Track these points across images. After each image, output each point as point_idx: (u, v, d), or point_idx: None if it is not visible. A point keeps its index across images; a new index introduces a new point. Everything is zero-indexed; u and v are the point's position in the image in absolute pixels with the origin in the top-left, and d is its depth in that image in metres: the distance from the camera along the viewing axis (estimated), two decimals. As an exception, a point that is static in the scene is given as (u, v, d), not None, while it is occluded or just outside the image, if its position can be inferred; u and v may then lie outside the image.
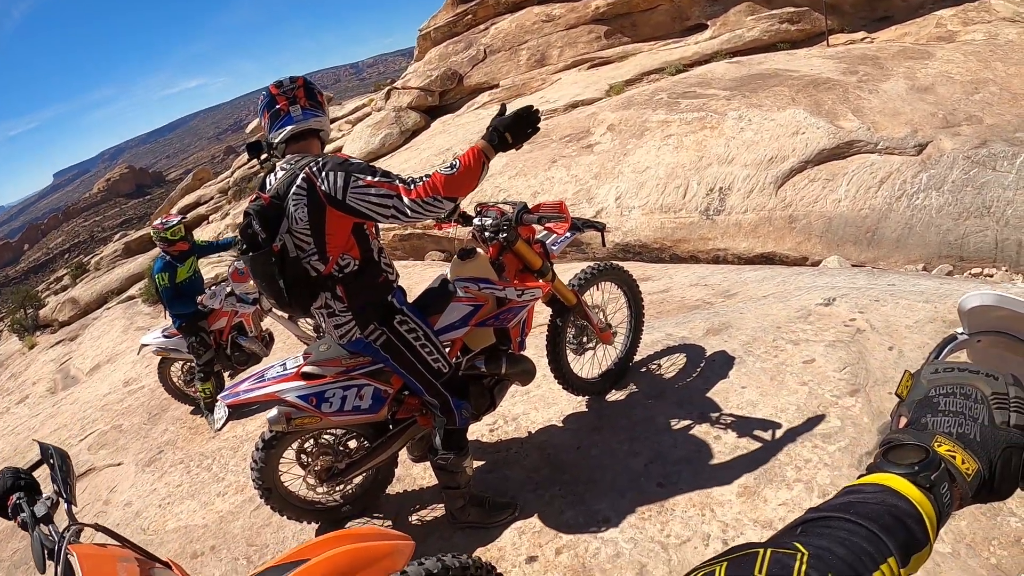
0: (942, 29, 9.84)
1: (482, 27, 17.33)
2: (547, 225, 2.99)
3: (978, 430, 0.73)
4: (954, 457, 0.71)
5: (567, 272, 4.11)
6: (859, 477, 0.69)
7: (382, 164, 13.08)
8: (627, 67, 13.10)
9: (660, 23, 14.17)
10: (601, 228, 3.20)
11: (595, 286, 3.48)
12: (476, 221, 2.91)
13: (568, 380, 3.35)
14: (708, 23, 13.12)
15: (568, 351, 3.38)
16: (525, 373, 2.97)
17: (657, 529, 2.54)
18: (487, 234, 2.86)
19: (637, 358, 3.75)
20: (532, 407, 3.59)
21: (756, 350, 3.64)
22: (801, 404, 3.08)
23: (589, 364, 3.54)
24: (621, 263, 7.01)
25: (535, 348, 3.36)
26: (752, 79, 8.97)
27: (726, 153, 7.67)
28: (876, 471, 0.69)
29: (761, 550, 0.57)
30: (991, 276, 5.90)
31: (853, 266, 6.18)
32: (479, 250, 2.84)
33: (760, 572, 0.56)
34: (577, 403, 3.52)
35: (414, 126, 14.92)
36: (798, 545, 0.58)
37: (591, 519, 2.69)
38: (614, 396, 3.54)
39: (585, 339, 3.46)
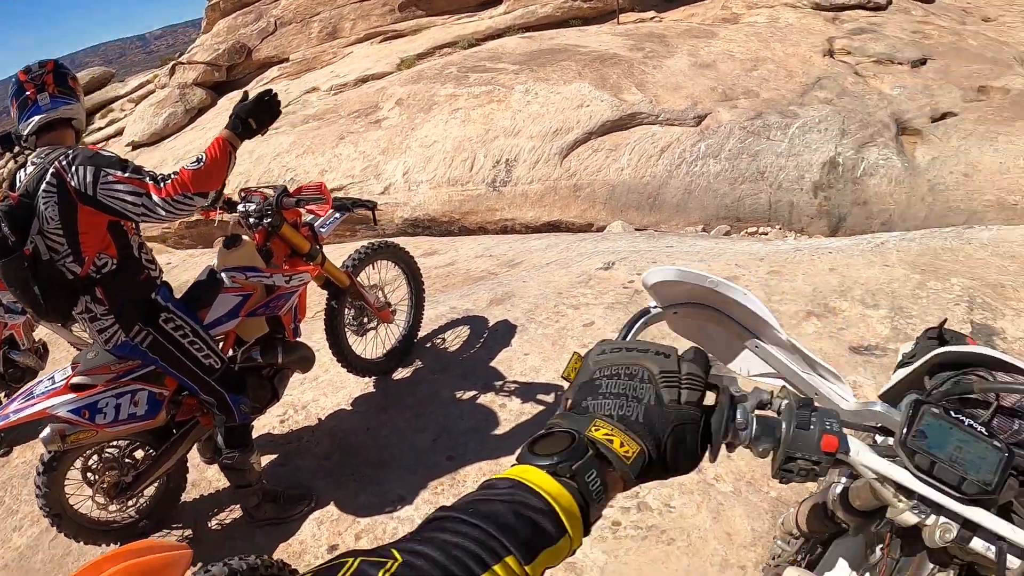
0: (728, 12, 10.63)
1: None
2: (309, 208, 3.08)
3: (642, 411, 0.75)
4: (611, 441, 0.71)
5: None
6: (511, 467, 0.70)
7: (167, 145, 12.22)
8: (420, 41, 13.08)
9: (455, -3, 14.19)
10: (372, 207, 3.42)
11: (370, 265, 3.61)
12: (240, 207, 2.95)
13: (352, 362, 3.47)
14: (503, -2, 13.27)
15: (349, 333, 3.49)
16: (303, 360, 3.06)
17: (451, 502, 2.43)
18: (252, 220, 2.91)
19: (422, 333, 3.92)
20: (321, 393, 3.68)
21: (538, 317, 3.87)
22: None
23: (373, 344, 3.68)
24: (411, 238, 6.94)
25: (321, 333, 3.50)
26: (542, 54, 9.22)
27: (512, 126, 7.86)
28: (520, 463, 0.69)
29: (351, 559, 0.55)
30: (766, 234, 6.62)
31: (637, 230, 6.84)
32: (245, 237, 2.88)
33: None
34: (365, 384, 3.64)
35: (200, 104, 14.11)
36: (394, 552, 0.56)
37: (385, 500, 2.81)
38: (400, 374, 3.70)
39: (365, 320, 3.58)
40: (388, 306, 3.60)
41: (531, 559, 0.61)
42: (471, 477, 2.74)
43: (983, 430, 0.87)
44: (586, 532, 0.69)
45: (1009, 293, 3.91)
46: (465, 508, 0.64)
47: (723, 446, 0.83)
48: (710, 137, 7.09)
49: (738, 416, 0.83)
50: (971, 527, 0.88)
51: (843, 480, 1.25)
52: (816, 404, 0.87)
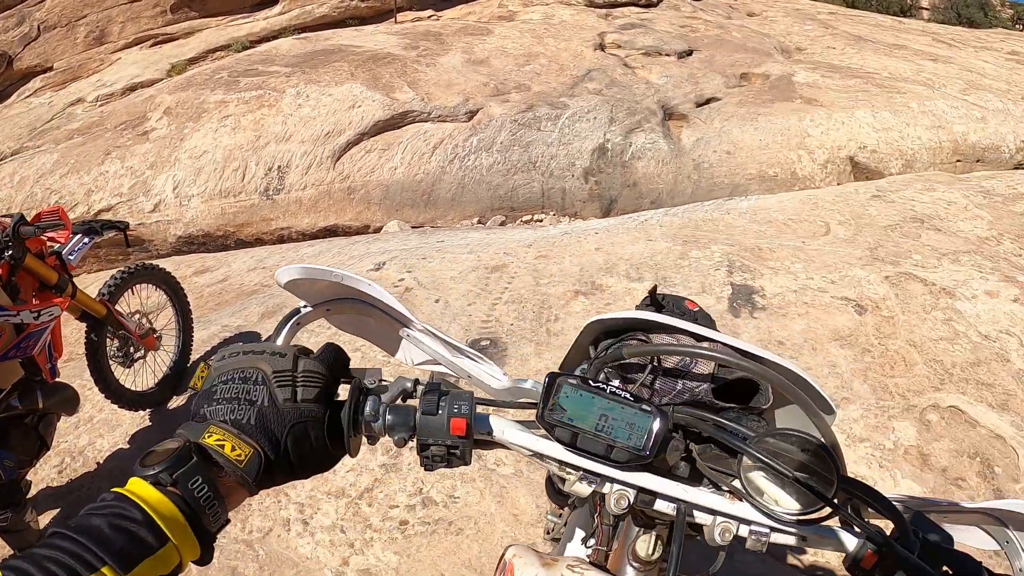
0: (504, 9, 11.00)
1: None
2: (48, 235, 2.93)
3: (254, 413, 0.76)
4: (223, 445, 0.73)
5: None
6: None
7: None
8: (192, 44, 12.64)
9: (230, -3, 13.77)
10: (123, 228, 3.36)
11: (129, 291, 3.52)
12: None
13: (122, 397, 3.33)
14: (279, -2, 13.03)
15: (115, 366, 3.37)
16: (67, 401, 2.88)
17: (239, 529, 2.65)
18: None
19: (194, 356, 3.86)
20: (97, 435, 3.50)
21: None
22: (353, 367, 3.16)
23: (143, 375, 3.59)
24: (185, 256, 6.60)
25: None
26: (316, 55, 9.21)
27: (284, 131, 7.86)
28: (131, 476, 0.71)
29: None
30: (540, 220, 7.07)
31: (413, 227, 7.14)
32: None
33: None
34: (141, 419, 3.52)
35: (-40, 121, 12.75)
36: None
37: None
38: (176, 402, 3.63)
39: (131, 349, 3.46)
40: (153, 332, 3.55)
41: (129, 568, 0.63)
42: (255, 500, 2.73)
43: (628, 395, 0.88)
44: (204, 540, 0.72)
45: (766, 254, 4.28)
46: (68, 524, 0.65)
47: (364, 438, 0.87)
48: (482, 131, 7.52)
49: (367, 408, 0.85)
50: (650, 492, 0.89)
51: None
52: (453, 387, 0.89)
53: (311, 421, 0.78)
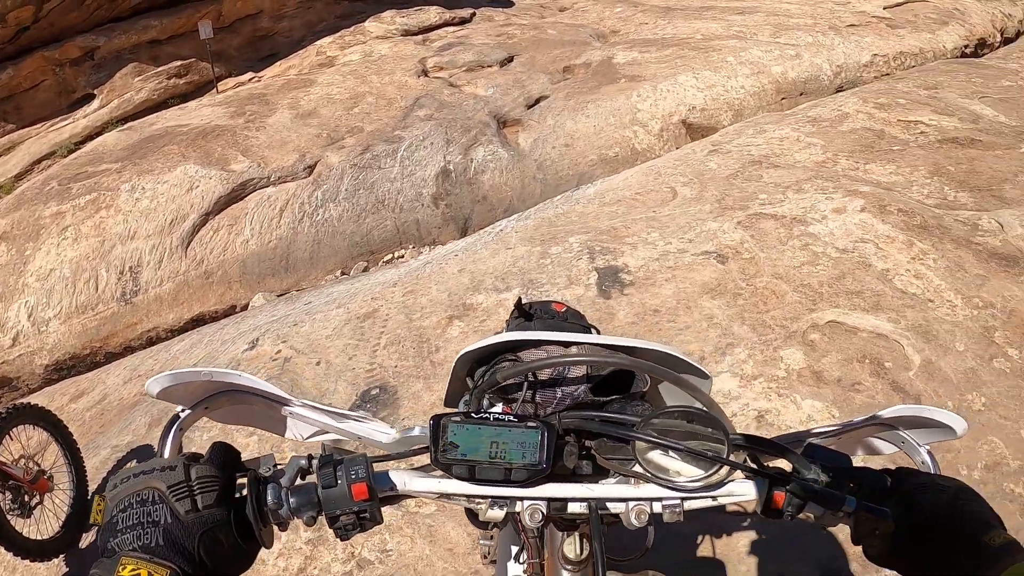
0: (323, 56, 10.99)
1: None
2: None
3: (160, 533, 0.75)
4: (139, 574, 0.71)
5: None
6: None
7: None
8: (16, 159, 12.14)
9: (46, 100, 13.37)
10: None
11: (7, 438, 3.37)
12: None
13: (30, 550, 3.18)
14: (96, 92, 12.77)
15: (15, 519, 3.24)
16: None
17: None
18: None
19: (92, 485, 3.69)
20: None
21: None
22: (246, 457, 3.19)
23: (45, 520, 3.45)
24: (58, 385, 6.37)
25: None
26: (143, 144, 9.11)
27: (127, 229, 7.69)
28: None
29: None
30: (402, 256, 7.14)
31: (279, 296, 7.02)
32: None
33: None
34: (57, 567, 3.37)
35: None
36: None
37: None
38: (88, 538, 3.46)
39: (26, 498, 3.35)
40: (43, 474, 3.42)
41: None
42: None
43: (512, 417, 0.91)
44: None
45: (622, 232, 4.44)
46: None
47: (274, 526, 0.87)
48: (325, 183, 7.53)
49: (269, 497, 0.85)
50: (558, 499, 0.93)
51: None
52: (347, 454, 0.90)
53: (218, 526, 0.78)
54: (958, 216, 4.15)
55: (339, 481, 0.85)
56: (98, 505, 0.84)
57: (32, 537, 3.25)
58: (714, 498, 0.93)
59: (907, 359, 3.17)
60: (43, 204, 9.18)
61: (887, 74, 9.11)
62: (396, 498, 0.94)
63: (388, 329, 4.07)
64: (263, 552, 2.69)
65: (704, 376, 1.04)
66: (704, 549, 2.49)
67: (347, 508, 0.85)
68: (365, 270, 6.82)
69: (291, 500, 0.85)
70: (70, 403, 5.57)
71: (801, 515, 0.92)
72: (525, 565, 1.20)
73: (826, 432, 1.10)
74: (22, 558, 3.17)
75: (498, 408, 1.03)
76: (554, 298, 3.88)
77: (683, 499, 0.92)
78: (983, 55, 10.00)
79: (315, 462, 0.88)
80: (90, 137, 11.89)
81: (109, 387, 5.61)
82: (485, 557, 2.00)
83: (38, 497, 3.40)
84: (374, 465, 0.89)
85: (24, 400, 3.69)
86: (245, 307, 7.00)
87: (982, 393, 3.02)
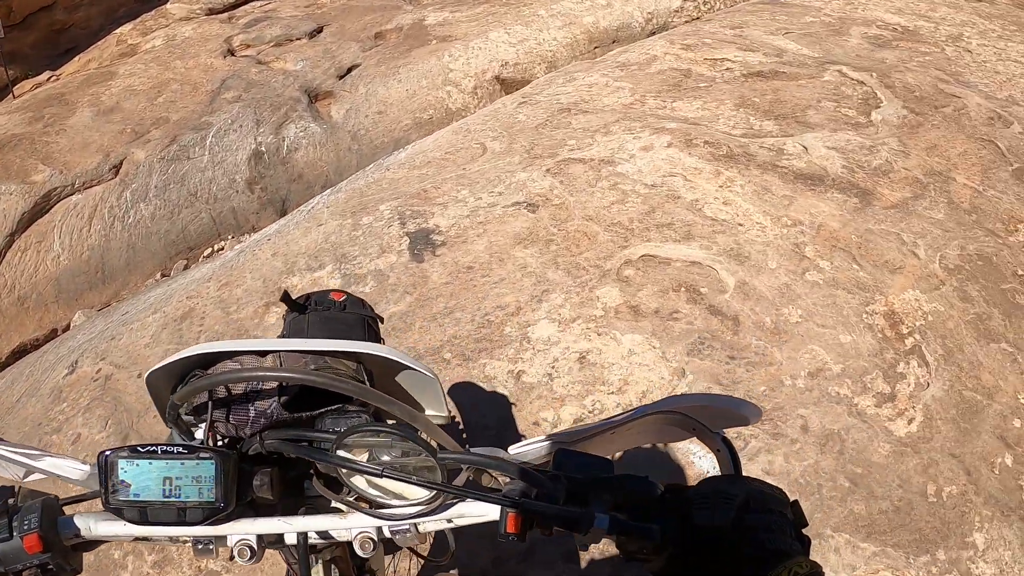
0: (124, 45, 10.51)
1: None
2: None
3: None
4: None
5: None
6: None
7: None
8: None
9: None
10: None
11: None
12: None
13: None
14: None
15: None
16: None
17: None
18: None
19: None
20: None
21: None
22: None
23: None
24: None
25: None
26: None
27: None
28: None
29: None
30: (222, 248, 7.00)
31: (99, 311, 6.70)
32: None
33: None
34: None
35: None
36: None
37: None
38: None
39: None
40: None
41: None
42: None
43: (181, 448, 0.82)
44: None
45: (432, 194, 4.50)
46: None
47: None
48: (133, 182, 7.30)
49: None
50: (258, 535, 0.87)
51: None
52: (25, 503, 0.84)
53: None
54: (763, 143, 4.41)
55: (14, 534, 0.79)
56: None
57: None
58: (449, 520, 0.87)
59: (722, 282, 3.36)
60: None
61: (697, 18, 9.47)
62: (89, 544, 0.87)
63: (206, 327, 4.05)
64: None
65: (429, 375, 0.97)
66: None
67: (25, 562, 0.79)
68: (185, 268, 6.68)
69: None
70: None
71: (554, 533, 0.82)
72: None
73: (584, 432, 1.00)
74: None
75: (200, 431, 0.95)
76: (370, 270, 3.94)
77: (413, 520, 0.86)
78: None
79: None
80: None
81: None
82: None
83: None
84: (67, 507, 0.85)
85: None
86: (67, 328, 6.72)
87: (798, 306, 3.25)
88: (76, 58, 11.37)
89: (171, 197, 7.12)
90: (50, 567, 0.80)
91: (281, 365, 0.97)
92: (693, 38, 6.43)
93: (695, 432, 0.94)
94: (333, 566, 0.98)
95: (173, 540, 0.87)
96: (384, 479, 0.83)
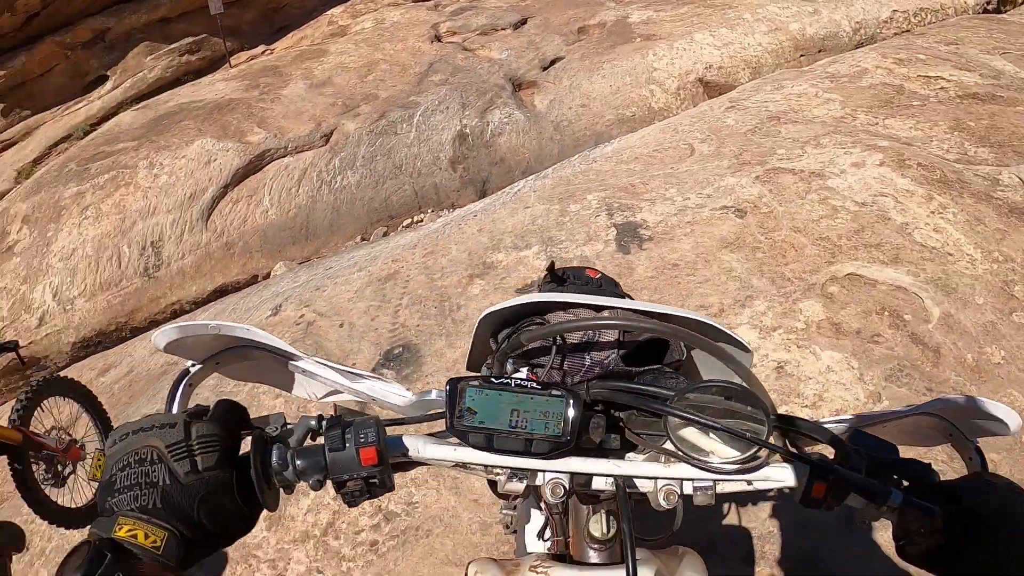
0: (335, 26, 10.97)
1: None
2: None
3: (159, 495, 0.73)
4: (135, 536, 0.70)
5: None
6: None
7: None
8: (33, 144, 12.26)
9: (60, 85, 13.50)
10: (13, 347, 3.37)
11: (39, 410, 3.46)
12: None
13: (64, 518, 3.25)
14: (108, 73, 12.88)
15: (49, 489, 3.31)
16: (12, 539, 2.80)
17: None
18: None
19: None
20: (53, 565, 3.32)
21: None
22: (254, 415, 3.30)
23: (79, 489, 3.50)
24: (86, 360, 6.46)
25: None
26: (159, 121, 9.18)
27: (147, 206, 7.85)
28: None
29: None
30: (421, 221, 7.17)
31: (300, 264, 7.00)
32: None
33: None
34: None
35: None
36: None
37: None
38: None
39: (59, 467, 3.42)
40: (75, 443, 3.50)
41: None
42: (227, 572, 2.73)
43: (535, 384, 0.85)
44: None
45: (640, 189, 4.44)
46: None
47: (280, 489, 0.84)
48: (342, 151, 7.58)
49: (274, 458, 0.81)
50: (582, 473, 0.88)
51: None
52: (357, 416, 0.86)
53: (219, 489, 0.75)
54: (978, 171, 4.10)
55: (347, 445, 0.81)
56: (97, 461, 0.84)
57: (66, 505, 3.32)
58: (749, 482, 0.88)
59: (926, 312, 3.15)
60: (63, 186, 9.27)
61: (907, 30, 8.95)
62: (408, 464, 0.90)
63: (409, 289, 4.10)
64: (292, 508, 2.76)
65: (745, 350, 0.98)
66: (730, 520, 2.46)
67: (354, 473, 0.81)
68: (385, 235, 6.86)
69: (297, 462, 0.82)
70: (98, 377, 5.65)
71: (841, 506, 0.86)
72: (549, 543, 1.16)
73: (873, 420, 1.05)
74: (56, 526, 3.22)
75: (523, 374, 0.97)
76: (576, 255, 3.90)
77: (716, 481, 0.87)
78: (1006, 11, 9.81)
79: (325, 422, 0.85)
80: (105, 118, 11.98)
81: (136, 359, 5.73)
82: (507, 528, 1.92)
83: (70, 466, 3.46)
84: (387, 429, 0.86)
85: (52, 373, 3.74)
86: (267, 276, 7.07)
87: (1001, 347, 2.99)
88: (289, 35, 12.04)
89: (377, 168, 7.35)
90: (373, 480, 0.82)
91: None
92: (905, 52, 6.04)
93: (950, 439, 1.01)
94: (611, 518, 0.95)
95: (487, 470, 0.88)
96: (708, 437, 0.86)
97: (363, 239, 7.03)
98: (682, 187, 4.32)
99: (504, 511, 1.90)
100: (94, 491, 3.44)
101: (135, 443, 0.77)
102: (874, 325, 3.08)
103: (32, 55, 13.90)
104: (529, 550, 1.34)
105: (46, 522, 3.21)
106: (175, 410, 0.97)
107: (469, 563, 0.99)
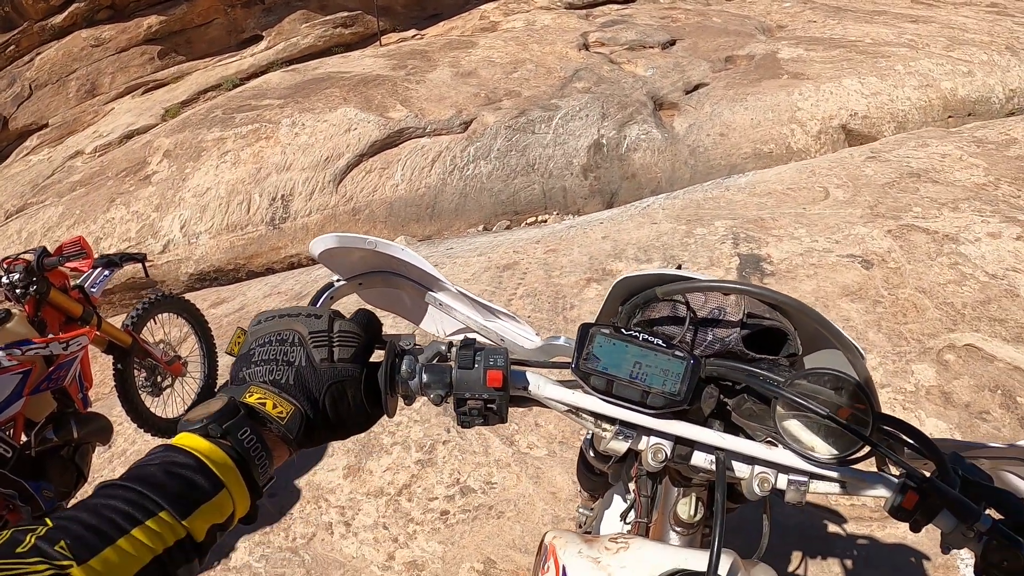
0: (486, 21, 11.14)
1: (26, 59, 15.49)
2: (70, 265, 3.00)
3: (292, 373, 0.78)
4: (264, 404, 0.75)
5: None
6: None
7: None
8: (183, 87, 12.84)
9: (216, 38, 14.13)
10: (141, 259, 3.42)
11: (152, 321, 3.59)
12: (3, 280, 2.83)
13: (154, 425, 3.39)
14: (264, 34, 13.43)
15: (145, 395, 3.44)
16: (102, 430, 2.93)
17: (282, 538, 2.72)
18: (18, 291, 2.80)
19: (220, 382, 3.91)
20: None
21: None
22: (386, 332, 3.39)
23: (172, 401, 3.65)
24: (199, 292, 6.72)
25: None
26: (306, 84, 9.43)
27: (284, 160, 8.03)
28: (177, 433, 0.71)
29: (7, 532, 0.56)
30: (544, 221, 7.17)
31: (420, 241, 7.16)
32: (13, 310, 2.73)
33: None
34: None
35: (-40, 188, 12.90)
36: (47, 520, 0.58)
37: (216, 557, 2.73)
38: None
39: (158, 378, 3.55)
40: (178, 359, 3.60)
41: (187, 513, 0.63)
42: (296, 508, 2.83)
43: (660, 342, 0.88)
44: (255, 493, 0.73)
45: (769, 224, 4.37)
46: (125, 476, 0.64)
47: (400, 399, 0.87)
48: (478, 140, 7.70)
49: (404, 367, 0.85)
50: (687, 443, 0.89)
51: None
52: (487, 345, 0.89)
53: (348, 380, 0.79)
54: None
55: (476, 365, 0.84)
56: (237, 337, 0.85)
57: (158, 414, 3.44)
58: (844, 483, 0.87)
59: None
60: (206, 129, 9.67)
61: (1065, 104, 8.55)
62: (524, 400, 0.91)
63: (526, 282, 4.11)
64: (372, 462, 2.76)
65: (860, 355, 0.99)
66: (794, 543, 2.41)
67: (477, 393, 0.84)
68: (507, 228, 6.92)
69: (424, 375, 0.84)
70: (210, 308, 5.84)
71: (928, 525, 0.84)
72: (630, 525, 1.17)
73: (968, 448, 1.03)
74: (144, 429, 3.36)
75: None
76: None
77: (812, 476, 0.86)
78: None
79: (454, 349, 0.87)
80: (255, 75, 12.50)
81: (249, 299, 5.96)
82: (580, 527, 1.90)
83: (170, 379, 3.58)
84: (512, 366, 0.88)
85: (172, 292, 3.87)
86: (388, 248, 7.15)
87: None
88: (440, 23, 12.26)
89: (510, 162, 7.43)
90: (491, 405, 0.84)
91: (744, 309, 1.02)
92: (1060, 127, 5.73)
93: None
94: (699, 503, 0.98)
95: (596, 420, 0.90)
96: (810, 432, 0.86)
97: (485, 228, 7.12)
98: (811, 228, 4.26)
99: (580, 510, 1.91)
100: (186, 407, 3.61)
101: (280, 325, 0.82)
102: (985, 401, 2.96)
103: (194, 6, 14.57)
104: (607, 531, 1.35)
105: (135, 424, 3.34)
106: None
107: (545, 532, 1.01)
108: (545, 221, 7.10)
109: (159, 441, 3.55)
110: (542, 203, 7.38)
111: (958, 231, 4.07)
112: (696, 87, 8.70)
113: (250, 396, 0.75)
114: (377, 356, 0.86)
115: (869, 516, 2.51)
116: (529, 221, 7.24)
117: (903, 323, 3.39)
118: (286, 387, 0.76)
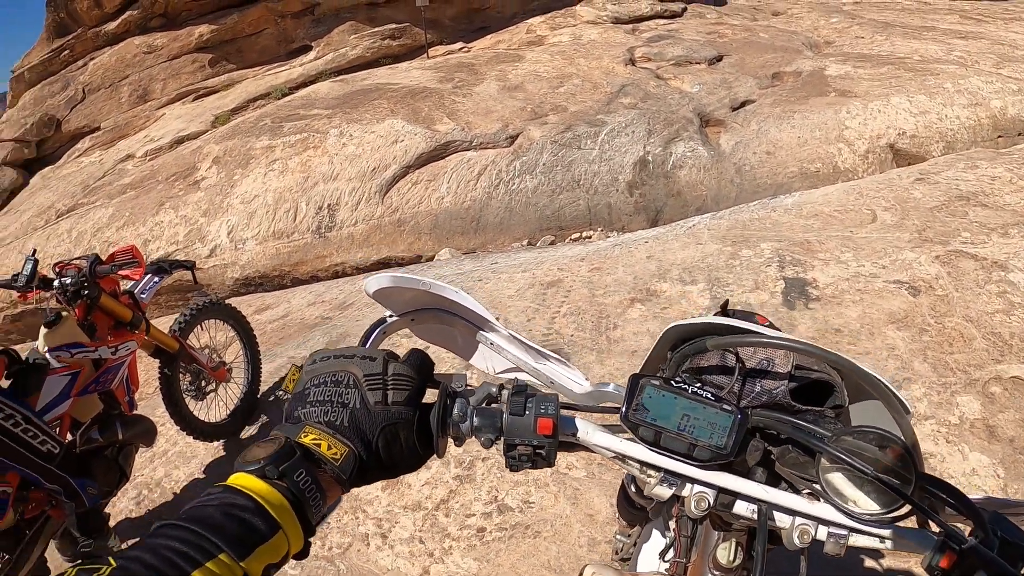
0: (532, 35, 11.17)
1: (80, 63, 15.91)
2: (122, 272, 3.04)
3: (347, 415, 0.79)
4: (319, 444, 0.76)
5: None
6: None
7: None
8: (233, 95, 13.03)
9: (266, 47, 14.35)
10: (190, 266, 3.49)
11: (198, 327, 3.66)
12: (56, 283, 2.85)
13: (197, 429, 3.46)
14: (313, 44, 13.64)
15: (189, 399, 3.49)
16: (145, 433, 2.99)
17: (319, 546, 2.74)
18: (69, 295, 2.83)
19: (263, 388, 3.96)
20: (172, 467, 3.63)
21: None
22: (437, 372, 3.36)
23: (215, 407, 3.70)
24: (243, 297, 6.82)
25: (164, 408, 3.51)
26: (354, 95, 9.50)
27: (331, 170, 8.11)
28: (234, 472, 0.72)
29: (70, 569, 0.57)
30: (589, 237, 7.16)
31: (464, 254, 7.21)
32: (64, 313, 2.79)
33: None
34: (215, 449, 3.64)
35: (11, 185, 13.35)
36: (110, 560, 0.58)
37: None
38: (248, 432, 3.74)
39: (203, 383, 3.60)
40: (223, 365, 3.66)
41: (245, 555, 0.64)
42: (332, 518, 2.84)
43: (709, 395, 0.89)
44: (309, 532, 0.74)
45: (815, 247, 4.33)
46: (179, 515, 0.66)
47: (450, 440, 0.88)
48: (524, 155, 7.72)
49: (455, 410, 0.86)
50: (730, 493, 0.90)
51: None
52: (538, 391, 0.91)
53: (401, 423, 0.80)
54: None
55: (527, 412, 0.85)
56: (292, 375, 0.88)
57: (200, 418, 3.49)
58: (882, 539, 0.87)
59: None
60: (255, 137, 9.82)
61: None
62: (572, 446, 0.93)
63: (570, 299, 4.10)
64: (410, 476, 2.72)
65: (906, 411, 0.98)
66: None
67: (528, 440, 0.85)
68: (552, 243, 6.93)
69: (475, 418, 0.85)
70: (255, 314, 5.92)
71: None
72: (668, 564, 1.17)
73: (1012, 507, 1.03)
74: (187, 433, 3.41)
75: (696, 385, 0.98)
76: (741, 301, 3.80)
77: (851, 530, 0.87)
78: None
79: (505, 391, 0.88)
80: (304, 84, 12.68)
81: (293, 306, 6.01)
82: (616, 553, 1.92)
83: (214, 385, 3.62)
84: (561, 410, 0.89)
85: (219, 298, 3.94)
86: (430, 259, 7.23)
87: None
88: (487, 36, 12.33)
89: (555, 178, 7.43)
90: (540, 451, 0.85)
91: (792, 361, 1.02)
92: (1115, 149, 5.63)
93: None
94: (739, 548, 0.99)
95: (643, 469, 0.90)
96: (856, 487, 0.85)
97: (529, 243, 7.13)
98: (858, 253, 4.17)
99: (618, 536, 1.90)
100: (229, 412, 3.64)
101: (335, 366, 0.83)
102: (1031, 436, 2.92)
103: (244, 16, 14.83)
104: (645, 569, 1.36)
105: (178, 427, 3.39)
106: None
107: (585, 566, 1.03)
108: (589, 237, 7.10)
109: (201, 446, 3.70)
110: (587, 219, 7.37)
111: (1007, 258, 3.98)
112: (743, 104, 8.65)
113: (305, 436, 0.76)
114: (429, 395, 0.87)
115: (907, 553, 2.46)
116: (573, 237, 7.24)
117: (949, 353, 3.30)
118: (340, 428, 0.78)
